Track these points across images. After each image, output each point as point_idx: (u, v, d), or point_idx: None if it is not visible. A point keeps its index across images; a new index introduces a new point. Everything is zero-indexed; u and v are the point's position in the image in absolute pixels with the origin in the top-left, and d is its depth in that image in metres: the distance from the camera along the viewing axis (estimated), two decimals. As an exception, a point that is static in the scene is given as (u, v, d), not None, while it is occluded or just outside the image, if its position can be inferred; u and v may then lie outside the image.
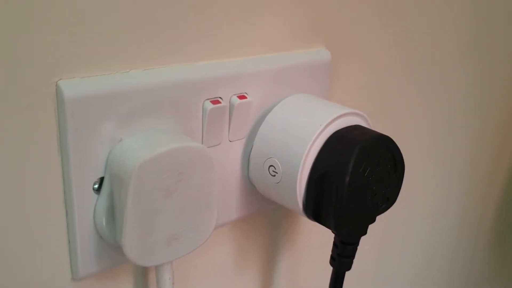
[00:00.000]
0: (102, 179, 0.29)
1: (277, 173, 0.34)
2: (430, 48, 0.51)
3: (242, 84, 0.34)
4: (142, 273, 0.35)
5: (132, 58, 0.30)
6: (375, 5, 0.43)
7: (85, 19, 0.27)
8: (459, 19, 0.52)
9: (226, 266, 0.41)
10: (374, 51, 0.45)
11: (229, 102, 0.34)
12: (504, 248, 0.82)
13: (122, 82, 0.29)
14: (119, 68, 0.29)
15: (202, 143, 0.33)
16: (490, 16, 0.56)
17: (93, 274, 0.31)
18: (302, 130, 0.33)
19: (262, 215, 0.42)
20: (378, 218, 0.36)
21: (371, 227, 0.36)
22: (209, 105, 0.32)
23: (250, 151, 0.36)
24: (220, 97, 0.33)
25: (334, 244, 0.37)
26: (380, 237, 0.56)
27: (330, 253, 0.37)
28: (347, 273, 0.38)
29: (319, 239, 0.46)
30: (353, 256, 0.37)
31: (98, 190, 0.29)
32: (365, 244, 0.52)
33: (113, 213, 0.29)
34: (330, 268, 0.38)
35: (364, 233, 0.36)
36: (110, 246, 0.31)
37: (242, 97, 0.34)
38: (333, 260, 0.37)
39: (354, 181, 0.32)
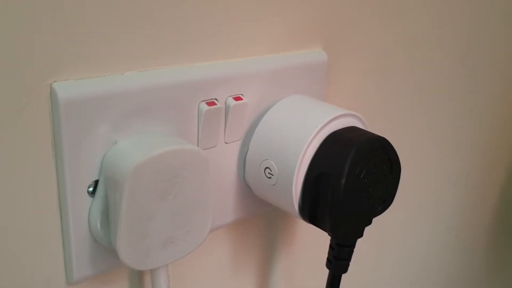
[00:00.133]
0: (96, 182, 0.29)
1: (273, 175, 0.34)
2: (427, 49, 0.50)
3: (238, 85, 0.34)
4: (138, 277, 0.35)
5: (128, 59, 0.29)
6: (372, 6, 0.43)
7: (80, 20, 0.27)
8: (457, 20, 0.52)
9: (223, 269, 0.41)
10: (371, 52, 0.44)
11: (225, 103, 0.34)
12: (503, 250, 0.82)
13: (117, 84, 0.29)
14: (114, 70, 0.29)
15: (197, 145, 0.33)
16: (488, 17, 0.56)
17: (88, 277, 0.31)
18: (298, 131, 0.33)
19: (258, 217, 0.41)
20: (376, 220, 0.36)
21: (369, 229, 0.36)
22: (205, 107, 0.32)
23: (246, 153, 0.36)
24: (216, 99, 0.33)
25: (330, 246, 0.37)
26: (378, 239, 0.56)
27: (326, 255, 0.37)
28: (345, 275, 0.38)
29: (315, 241, 0.46)
30: (349, 259, 0.37)
31: (92, 193, 0.29)
32: (363, 246, 0.52)
33: (107, 216, 0.29)
34: (327, 270, 0.38)
35: (361, 235, 0.36)
36: (105, 249, 0.31)
37: (238, 98, 0.34)
38: (329, 263, 0.37)
39: (350, 183, 0.32)
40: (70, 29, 0.27)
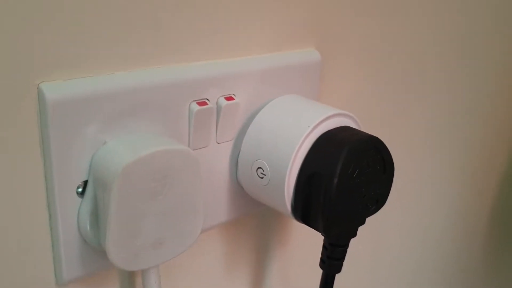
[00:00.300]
0: (86, 183, 0.29)
1: (265, 175, 0.34)
2: (422, 49, 0.50)
3: (229, 85, 0.34)
4: (129, 277, 0.35)
5: (117, 60, 0.29)
6: (366, 5, 0.42)
7: (68, 20, 0.27)
8: (452, 20, 0.52)
9: (216, 269, 0.40)
10: (365, 51, 0.44)
11: (217, 103, 0.33)
12: (499, 250, 0.81)
13: (106, 84, 0.29)
14: (103, 70, 0.29)
15: (189, 145, 0.33)
16: (484, 17, 0.56)
17: (78, 278, 0.31)
18: (290, 131, 0.33)
19: (251, 217, 0.41)
20: (371, 220, 0.36)
21: (364, 229, 0.36)
22: (195, 107, 0.32)
23: (238, 153, 0.36)
24: (207, 99, 0.33)
25: (324, 246, 0.37)
26: (373, 240, 0.56)
27: (320, 255, 0.37)
28: (340, 275, 0.37)
29: (309, 240, 0.46)
30: (342, 259, 0.37)
31: (82, 194, 0.29)
32: (358, 246, 0.52)
33: (97, 217, 0.29)
34: (321, 270, 0.38)
35: (354, 235, 0.36)
36: (94, 250, 0.30)
37: (229, 98, 0.34)
38: (322, 263, 0.37)
39: (343, 183, 0.32)
40: (58, 29, 0.26)
